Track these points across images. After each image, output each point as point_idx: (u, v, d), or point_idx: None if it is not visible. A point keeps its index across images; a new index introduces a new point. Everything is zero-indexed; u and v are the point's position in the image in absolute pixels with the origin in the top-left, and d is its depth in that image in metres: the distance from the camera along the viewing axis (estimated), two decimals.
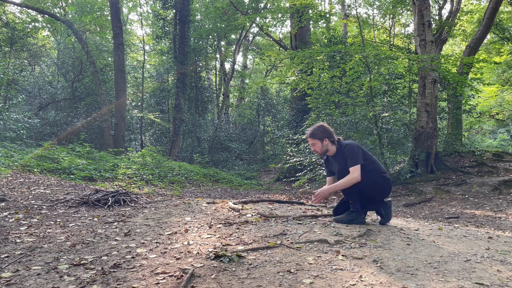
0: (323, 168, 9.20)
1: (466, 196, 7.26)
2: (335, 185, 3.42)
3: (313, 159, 9.46)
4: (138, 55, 26.36)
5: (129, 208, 4.22)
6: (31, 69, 20.89)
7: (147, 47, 26.26)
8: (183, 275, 2.14)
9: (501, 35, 16.40)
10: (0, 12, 17.56)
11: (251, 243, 2.79)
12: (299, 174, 9.91)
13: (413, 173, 9.06)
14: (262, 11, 19.61)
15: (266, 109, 22.97)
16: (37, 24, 19.30)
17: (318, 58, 10.50)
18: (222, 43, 25.37)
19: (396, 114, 10.80)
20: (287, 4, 16.99)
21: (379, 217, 3.63)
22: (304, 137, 9.87)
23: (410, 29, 28.25)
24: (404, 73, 11.63)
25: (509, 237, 3.36)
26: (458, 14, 15.26)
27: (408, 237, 3.04)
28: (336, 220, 3.52)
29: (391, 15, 19.23)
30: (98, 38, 20.39)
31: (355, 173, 3.33)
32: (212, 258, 2.43)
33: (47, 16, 17.45)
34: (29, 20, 18.90)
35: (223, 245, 2.75)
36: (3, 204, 4.10)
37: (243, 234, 3.07)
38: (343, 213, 3.61)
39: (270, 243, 2.75)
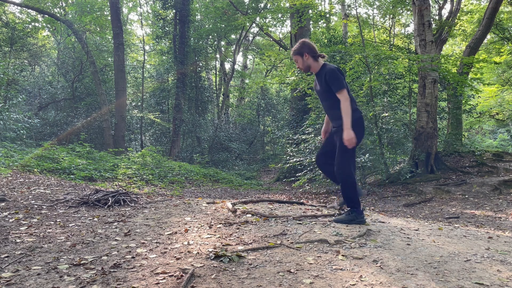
0: None
1: (466, 196, 7.26)
2: (345, 122, 3.30)
3: (313, 159, 9.45)
4: (138, 55, 26.36)
5: (129, 208, 4.22)
6: (31, 69, 20.89)
7: (147, 47, 26.27)
8: (183, 275, 2.14)
9: (501, 35, 16.39)
10: (0, 12, 17.56)
11: (251, 243, 2.79)
12: (299, 174, 9.91)
13: (413, 173, 9.06)
14: (262, 11, 19.60)
15: (266, 109, 22.97)
16: (37, 24, 19.30)
17: None
18: (222, 43, 25.37)
19: (396, 114, 10.80)
20: (287, 4, 16.98)
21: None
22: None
23: (410, 29, 28.27)
24: (404, 73, 11.63)
25: (509, 237, 3.36)
26: (458, 14, 15.26)
27: (408, 237, 3.04)
28: (336, 220, 3.51)
29: (391, 15, 19.22)
30: (98, 38, 20.39)
31: (344, 96, 3.34)
32: (212, 258, 2.43)
33: (47, 16, 17.44)
34: (29, 20, 18.90)
35: (223, 245, 2.75)
36: (3, 204, 4.10)
37: (243, 234, 3.07)
38: (325, 164, 3.65)
39: (270, 243, 2.75)
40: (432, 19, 11.06)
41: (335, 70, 3.42)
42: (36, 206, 4.12)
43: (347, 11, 19.88)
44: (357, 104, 10.37)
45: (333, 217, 3.67)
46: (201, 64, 20.81)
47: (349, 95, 3.41)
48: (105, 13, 19.25)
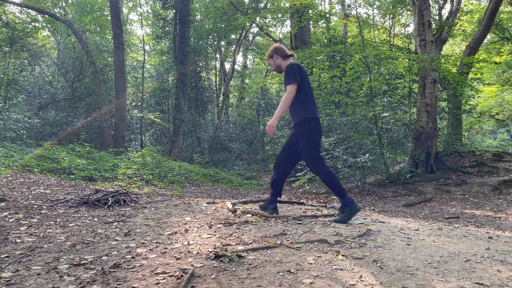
0: None
1: (466, 196, 7.26)
2: (277, 111, 3.43)
3: None
4: (138, 55, 26.36)
5: (129, 208, 4.22)
6: (31, 69, 20.89)
7: (147, 47, 26.26)
8: (183, 275, 2.14)
9: (501, 35, 16.39)
10: (0, 12, 17.56)
11: (251, 243, 2.79)
12: (299, 174, 9.91)
13: (413, 173, 9.06)
14: (262, 11, 19.60)
15: (266, 109, 22.97)
16: (37, 24, 19.29)
17: (318, 58, 10.50)
18: (222, 43, 25.36)
19: (396, 114, 10.80)
20: (287, 4, 16.98)
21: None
22: None
23: (410, 29, 28.27)
24: (404, 73, 11.63)
25: (509, 237, 3.36)
26: (458, 14, 15.26)
27: (408, 237, 3.04)
28: (335, 221, 3.52)
29: (391, 15, 19.23)
30: (98, 38, 20.39)
31: (289, 90, 3.42)
32: (212, 258, 2.43)
33: (47, 16, 17.44)
34: (29, 20, 18.89)
35: (223, 245, 2.75)
36: (3, 204, 4.10)
37: (243, 234, 3.07)
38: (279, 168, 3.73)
39: (270, 243, 2.75)
40: (432, 19, 11.06)
41: (293, 65, 3.52)
42: (36, 206, 4.12)
43: (347, 11, 19.88)
44: (356, 103, 10.38)
45: (333, 217, 3.68)
46: (201, 64, 20.81)
47: (301, 93, 3.47)
48: (105, 13, 19.25)
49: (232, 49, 25.87)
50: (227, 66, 26.93)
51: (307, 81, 3.54)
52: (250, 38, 26.73)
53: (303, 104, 3.49)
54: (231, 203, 4.42)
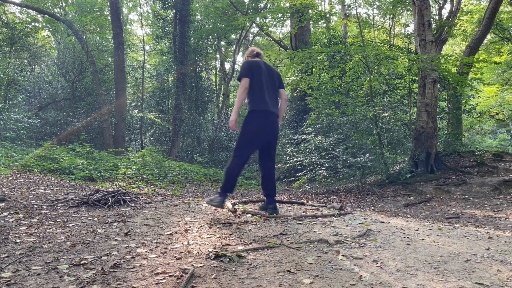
0: (323, 168, 9.19)
1: (466, 196, 7.26)
2: (234, 107, 3.66)
3: (313, 159, 9.46)
4: (138, 55, 26.36)
5: (129, 208, 4.22)
6: (31, 69, 20.89)
7: (147, 47, 26.26)
8: (183, 275, 2.14)
9: (501, 35, 16.39)
10: (0, 12, 17.56)
11: (251, 243, 2.79)
12: (299, 174, 9.91)
13: (413, 173, 9.05)
14: (262, 11, 19.60)
15: None
16: (37, 24, 19.29)
17: (318, 58, 10.50)
18: (222, 43, 25.36)
19: (396, 114, 10.80)
20: (287, 4, 16.98)
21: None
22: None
23: (410, 29, 28.27)
24: (404, 73, 11.63)
25: (509, 237, 3.36)
26: (458, 14, 15.25)
27: (408, 237, 3.04)
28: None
29: (391, 15, 19.22)
30: (98, 38, 20.39)
31: (241, 84, 3.66)
32: (212, 258, 2.43)
33: (47, 16, 17.44)
34: (29, 20, 18.89)
35: (223, 245, 2.75)
36: (3, 204, 4.09)
37: (243, 234, 3.07)
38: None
39: (270, 243, 2.75)
40: (432, 19, 11.06)
41: (245, 62, 3.79)
42: (36, 206, 4.12)
43: (347, 11, 19.88)
44: (356, 103, 10.39)
45: (334, 217, 3.69)
46: (201, 64, 20.81)
47: (250, 88, 3.67)
48: (105, 13, 19.25)
49: (232, 49, 25.87)
50: (227, 66, 26.95)
51: (259, 77, 3.73)
52: (250, 38, 26.73)
53: (250, 97, 3.73)
54: (231, 203, 4.42)
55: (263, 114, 3.65)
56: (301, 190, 10.27)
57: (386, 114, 9.68)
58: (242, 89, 3.63)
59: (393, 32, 20.61)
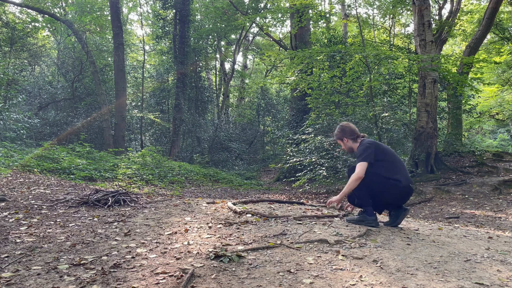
0: (323, 168, 9.19)
1: (466, 196, 7.26)
2: (343, 190, 3.35)
3: (313, 159, 9.46)
4: (138, 55, 26.35)
5: (129, 208, 4.22)
6: (31, 69, 20.88)
7: (147, 47, 26.25)
8: (183, 275, 2.14)
9: (501, 35, 16.39)
10: (0, 12, 17.56)
11: (251, 243, 2.79)
12: (299, 174, 9.91)
13: (413, 173, 9.06)
14: (262, 11, 19.60)
15: (266, 109, 22.96)
16: (37, 24, 19.27)
17: (318, 58, 10.50)
18: (222, 43, 25.36)
19: (396, 114, 10.80)
20: (287, 4, 16.97)
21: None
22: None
23: (410, 29, 28.22)
24: (404, 73, 11.63)
25: (509, 237, 3.36)
26: (458, 14, 15.26)
27: (408, 237, 3.04)
28: (348, 220, 3.51)
29: (391, 15, 19.23)
30: (98, 38, 20.38)
31: (357, 169, 3.27)
32: (212, 258, 2.43)
33: (47, 16, 17.43)
34: (29, 20, 18.88)
35: (223, 245, 2.75)
36: (3, 204, 4.09)
37: (243, 234, 3.07)
38: (353, 202, 3.62)
39: (270, 243, 2.75)
40: (432, 19, 11.07)
41: (364, 144, 3.42)
42: (36, 206, 4.12)
43: (347, 11, 19.88)
44: (356, 103, 10.38)
45: (338, 218, 3.69)
46: (201, 64, 20.81)
47: (385, 164, 3.36)
48: (105, 13, 19.24)
49: (232, 49, 25.87)
50: (227, 66, 26.94)
51: (387, 154, 3.40)
52: (250, 38, 26.73)
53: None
54: (231, 203, 4.42)
55: None
56: (301, 190, 10.27)
57: (386, 114, 9.68)
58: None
59: (393, 32, 20.61)
